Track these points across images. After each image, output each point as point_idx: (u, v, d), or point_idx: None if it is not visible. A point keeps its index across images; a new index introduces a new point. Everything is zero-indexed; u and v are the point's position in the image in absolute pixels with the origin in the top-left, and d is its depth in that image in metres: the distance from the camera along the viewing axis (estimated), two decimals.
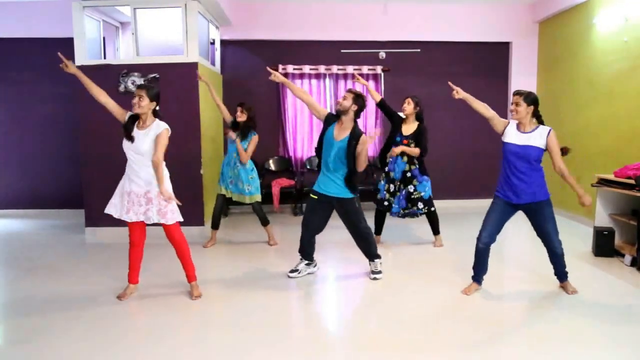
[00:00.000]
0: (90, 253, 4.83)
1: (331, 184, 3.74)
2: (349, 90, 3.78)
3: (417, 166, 4.67)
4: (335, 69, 6.77)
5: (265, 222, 4.98)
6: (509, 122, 3.46)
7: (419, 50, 6.95)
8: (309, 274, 4.04)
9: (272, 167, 6.82)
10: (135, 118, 3.38)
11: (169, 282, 3.86)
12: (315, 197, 3.84)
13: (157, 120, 3.38)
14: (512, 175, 3.38)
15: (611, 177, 4.42)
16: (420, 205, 4.66)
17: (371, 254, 3.93)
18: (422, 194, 4.65)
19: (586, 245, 4.77)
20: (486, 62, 7.06)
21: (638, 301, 3.45)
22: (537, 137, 3.32)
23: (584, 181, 5.65)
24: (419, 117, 4.70)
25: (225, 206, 5.00)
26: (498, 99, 7.10)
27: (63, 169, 6.55)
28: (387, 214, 4.87)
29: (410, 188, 4.65)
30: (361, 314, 3.44)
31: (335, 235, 5.27)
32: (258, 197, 4.83)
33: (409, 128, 4.67)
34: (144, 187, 3.34)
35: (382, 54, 6.86)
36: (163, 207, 3.34)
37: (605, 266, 4.21)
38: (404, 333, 2.96)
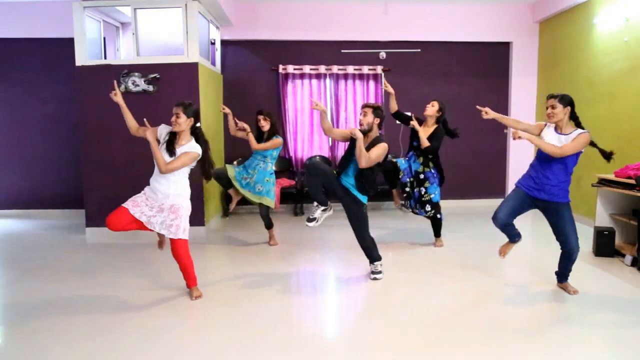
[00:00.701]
0: (90, 253, 4.83)
1: (350, 186, 3.79)
2: (365, 105, 3.77)
3: (431, 169, 4.66)
4: (335, 69, 6.77)
5: (269, 227, 4.99)
6: (545, 125, 3.41)
7: (419, 50, 6.95)
8: (325, 218, 3.96)
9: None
10: (175, 133, 3.42)
11: (169, 283, 3.85)
12: (337, 175, 3.84)
13: (193, 141, 3.41)
14: (539, 171, 3.35)
15: (612, 177, 4.41)
16: (428, 207, 4.67)
17: (372, 257, 3.93)
18: (432, 196, 4.65)
19: (587, 245, 4.76)
20: (486, 62, 7.06)
21: (639, 301, 3.45)
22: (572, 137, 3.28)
23: (584, 181, 5.65)
24: (439, 122, 4.66)
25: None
26: (498, 99, 7.11)
27: (63, 169, 6.55)
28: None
29: (422, 190, 4.67)
30: (363, 314, 3.43)
31: (336, 236, 5.27)
32: (267, 201, 4.75)
33: (426, 131, 4.64)
34: (159, 200, 3.38)
35: (383, 54, 6.87)
36: (169, 220, 3.35)
37: (606, 266, 4.21)
38: (405, 334, 2.96)
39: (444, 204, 7.09)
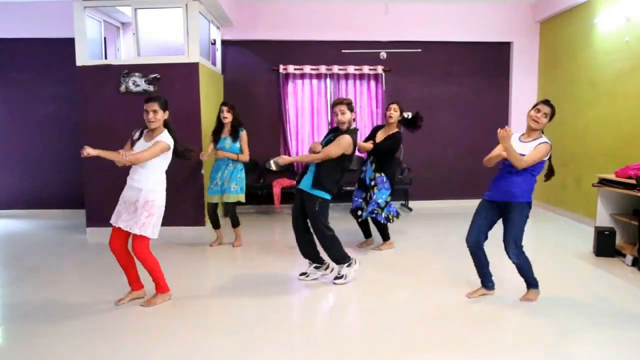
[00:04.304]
0: (91, 253, 4.82)
1: (306, 178, 3.74)
2: (339, 103, 3.73)
3: (382, 174, 4.56)
4: (336, 69, 6.77)
5: (236, 224, 4.96)
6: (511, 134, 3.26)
7: (419, 50, 6.94)
8: (322, 276, 3.93)
9: (273, 167, 6.82)
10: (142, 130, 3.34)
11: (169, 283, 3.83)
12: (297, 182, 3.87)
13: (165, 132, 3.35)
14: (499, 173, 3.32)
15: (612, 177, 4.41)
16: (371, 208, 4.54)
17: (335, 259, 3.84)
18: (379, 201, 4.54)
19: (587, 246, 4.76)
20: (487, 62, 7.05)
21: (639, 301, 3.44)
22: (534, 145, 3.26)
23: (585, 181, 5.65)
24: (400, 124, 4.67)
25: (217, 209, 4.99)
26: (499, 99, 7.10)
27: (64, 169, 6.55)
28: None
29: (371, 193, 4.59)
30: (361, 315, 3.43)
31: (340, 237, 5.25)
32: (242, 197, 4.82)
33: (384, 134, 4.60)
34: (133, 197, 3.27)
35: (383, 54, 6.87)
36: (143, 218, 3.22)
37: (607, 266, 4.20)
38: (403, 334, 2.96)
39: (444, 204, 7.13)
